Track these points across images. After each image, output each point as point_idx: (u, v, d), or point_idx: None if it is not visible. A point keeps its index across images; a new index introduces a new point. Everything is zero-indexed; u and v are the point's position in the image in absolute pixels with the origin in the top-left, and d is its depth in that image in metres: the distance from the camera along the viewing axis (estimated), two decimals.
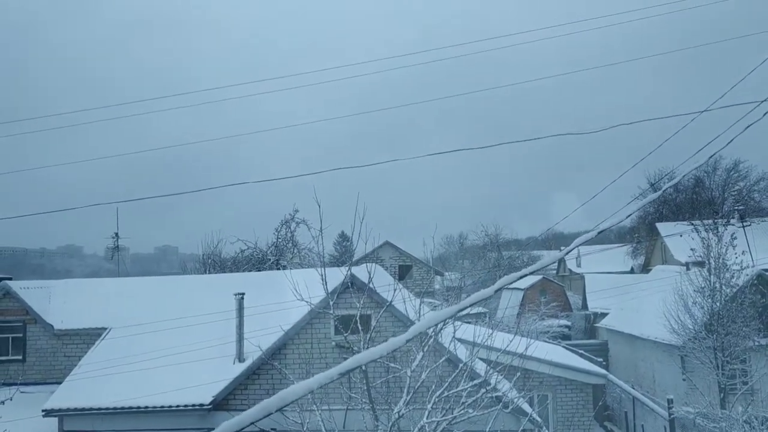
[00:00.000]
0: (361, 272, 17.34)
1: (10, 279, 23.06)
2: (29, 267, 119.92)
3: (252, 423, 2.70)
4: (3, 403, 13.57)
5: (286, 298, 16.62)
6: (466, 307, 3.85)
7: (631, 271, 53.51)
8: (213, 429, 11.26)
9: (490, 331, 15.45)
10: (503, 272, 46.04)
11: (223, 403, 16.95)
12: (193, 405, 16.58)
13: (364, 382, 13.88)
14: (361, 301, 15.12)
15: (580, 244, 4.68)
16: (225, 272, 34.19)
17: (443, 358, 14.64)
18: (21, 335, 21.62)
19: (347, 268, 16.52)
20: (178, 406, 16.59)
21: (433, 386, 13.69)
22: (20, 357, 21.52)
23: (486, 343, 14.50)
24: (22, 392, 15.08)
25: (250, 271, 31.99)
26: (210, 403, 16.60)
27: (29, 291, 22.21)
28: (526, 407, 16.10)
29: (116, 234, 35.66)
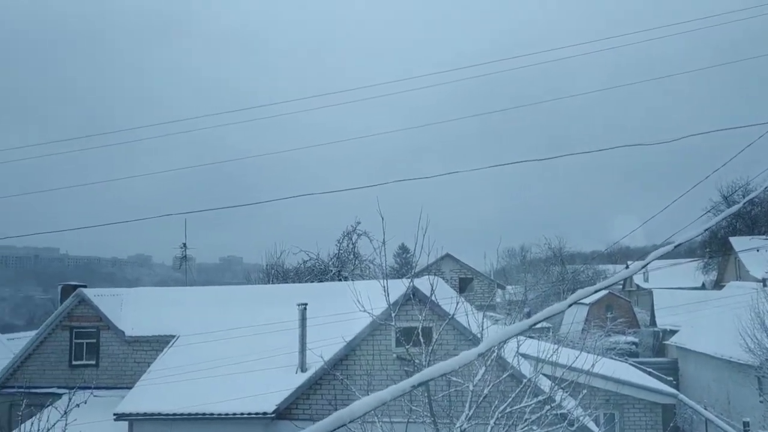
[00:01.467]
0: (422, 284, 17.29)
1: (84, 287, 23.99)
2: (102, 275, 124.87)
3: None
4: (78, 405, 14.12)
5: (348, 309, 16.71)
6: (539, 321, 3.78)
7: (703, 287, 51.49)
8: None
9: (555, 346, 15.11)
10: (567, 286, 45.06)
11: (286, 412, 17.13)
12: (257, 413, 16.82)
13: (426, 395, 13.78)
14: (423, 314, 15.06)
15: (656, 258, 4.53)
16: (288, 282, 34.67)
17: (507, 373, 14.40)
18: (95, 341, 22.45)
19: (409, 280, 16.48)
20: (242, 414, 16.87)
21: (496, 401, 13.48)
22: (94, 362, 22.34)
23: (551, 359, 14.19)
24: (95, 396, 15.66)
25: (312, 281, 32.34)
26: (273, 412, 16.81)
27: (102, 298, 23.05)
28: (592, 426, 15.66)
29: (184, 244, 36.67)
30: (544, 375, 15.20)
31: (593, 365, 14.49)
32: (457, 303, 15.04)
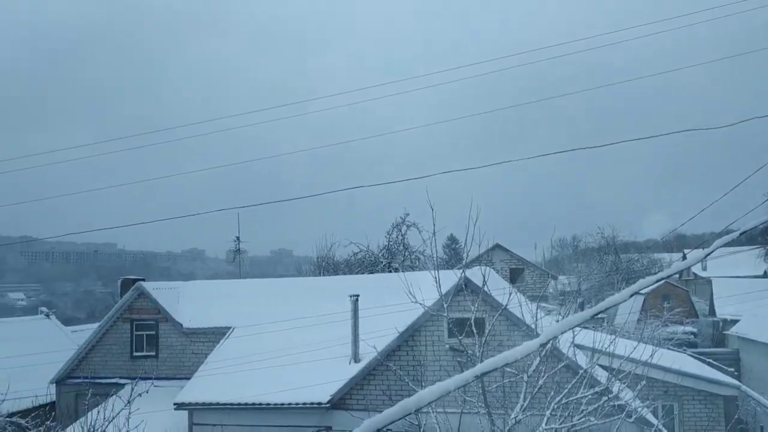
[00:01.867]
0: (474, 275, 17.21)
1: (143, 280, 24.70)
2: (157, 269, 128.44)
3: (392, 422, 2.74)
4: (141, 395, 14.58)
5: (399, 301, 16.77)
6: (602, 311, 3.73)
7: (764, 276, 49.72)
8: (330, 427, 11.52)
9: (612, 337, 14.85)
10: (621, 276, 44.14)
11: (340, 402, 17.32)
12: (312, 403, 17.06)
13: (480, 385, 13.74)
14: (476, 305, 14.99)
15: (722, 245, 4.41)
16: (338, 274, 34.98)
17: (562, 364, 14.23)
18: (154, 333, 23.12)
19: (461, 270, 16.42)
20: (297, 403, 17.13)
21: (552, 392, 13.34)
22: (153, 353, 23.01)
23: (607, 350, 13.96)
24: (155, 386, 16.12)
25: (363, 273, 32.55)
26: (328, 402, 17.02)
27: (160, 291, 23.70)
28: (650, 417, 15.34)
29: (238, 238, 37.35)
30: (601, 366, 14.96)
31: (651, 356, 14.19)
32: (510, 294, 14.93)
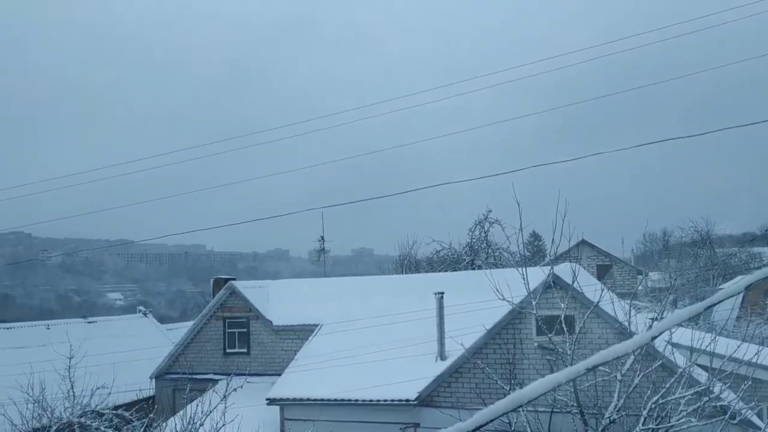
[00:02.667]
0: (561, 271, 16.86)
1: (234, 279, 25.55)
2: (244, 269, 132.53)
3: (504, 413, 2.74)
4: (235, 390, 15.11)
5: (483, 298, 16.64)
6: (714, 304, 3.59)
7: None
8: (418, 424, 11.56)
9: (711, 335, 14.20)
10: (717, 271, 42.07)
11: (428, 399, 17.36)
12: (399, 400, 17.18)
13: (571, 384, 13.46)
14: (566, 302, 14.70)
15: None
16: (420, 273, 35.02)
17: (657, 363, 13.75)
18: (245, 330, 23.88)
19: (549, 267, 16.13)
20: (385, 400, 17.30)
21: (649, 392, 12.91)
22: (245, 350, 23.77)
23: (707, 349, 13.36)
24: (247, 382, 16.67)
25: (446, 271, 32.47)
26: (416, 399, 17.10)
27: (251, 290, 24.45)
28: (756, 420, 14.58)
29: (322, 237, 38.00)
30: (699, 366, 14.34)
31: (757, 355, 13.49)
32: (602, 291, 14.56)
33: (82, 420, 16.05)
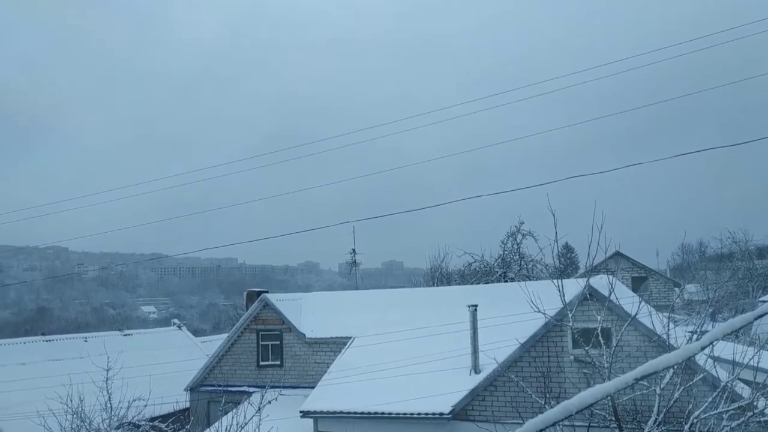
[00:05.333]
0: (597, 283, 16.64)
1: (266, 292, 25.72)
2: (275, 282, 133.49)
3: (554, 423, 2.71)
4: (270, 402, 15.18)
5: (517, 310, 16.47)
6: (763, 314, 3.51)
7: None
8: None
9: (754, 349, 13.85)
10: (757, 283, 41.07)
11: (462, 412, 17.22)
12: (434, 413, 17.06)
13: (609, 397, 13.22)
14: (602, 314, 14.47)
15: None
16: (452, 285, 34.85)
17: (698, 376, 13.44)
18: (278, 343, 24.00)
19: (586, 279, 15.92)
20: (419, 413, 17.19)
21: (690, 406, 12.62)
22: (279, 362, 23.87)
23: (750, 362, 13.02)
24: (281, 395, 16.73)
25: (478, 283, 32.26)
26: (450, 413, 16.97)
27: (284, 303, 24.60)
28: None
29: (353, 250, 38.12)
30: (741, 380, 13.97)
31: None
32: (639, 303, 14.31)
33: (119, 431, 16.24)
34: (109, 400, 16.56)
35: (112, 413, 16.52)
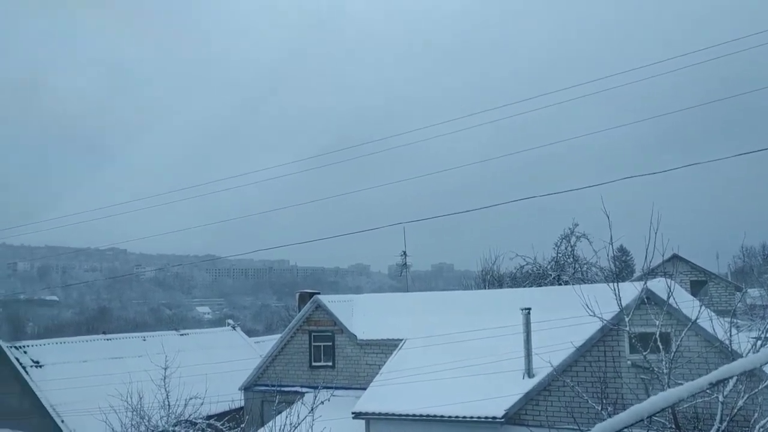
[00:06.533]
0: (654, 287, 16.21)
1: (319, 293, 25.95)
2: (326, 284, 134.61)
3: (625, 427, 2.64)
4: (323, 403, 15.29)
5: (569, 314, 16.18)
6: None
7: None
8: None
9: None
10: None
11: (515, 417, 17.00)
12: (486, 417, 16.91)
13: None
14: (661, 318, 14.10)
15: None
16: (504, 288, 34.47)
17: (764, 384, 12.95)
18: (330, 344, 24.18)
19: (643, 282, 15.53)
20: (471, 417, 17.06)
21: (756, 415, 12.17)
22: (330, 363, 24.05)
23: None
24: (333, 395, 16.83)
25: (530, 286, 31.84)
26: (502, 417, 16.78)
27: (335, 304, 24.78)
28: None
29: (404, 252, 38.13)
30: None
31: None
32: (700, 307, 13.89)
33: (177, 429, 16.61)
34: (167, 397, 16.98)
35: (170, 411, 16.93)
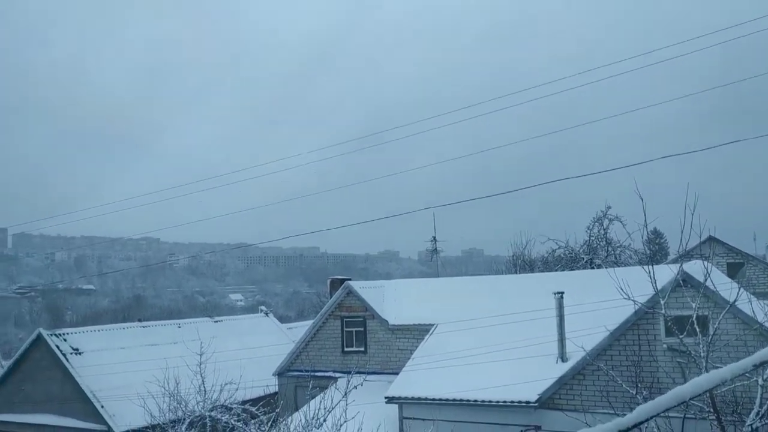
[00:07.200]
0: (690, 269, 15.93)
1: (350, 280, 26.08)
2: (356, 270, 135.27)
3: (666, 410, 2.60)
4: (356, 387, 15.39)
5: (602, 298, 15.98)
6: None
7: None
8: (540, 426, 11.24)
9: None
10: None
11: (549, 401, 16.93)
12: (520, 401, 16.87)
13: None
14: (698, 301, 13.86)
15: None
16: (534, 272, 34.24)
17: None
18: (362, 329, 24.31)
19: (679, 265, 15.28)
20: (505, 401, 17.04)
21: None
22: (362, 348, 24.20)
23: None
24: (366, 380, 16.93)
25: (562, 270, 31.56)
26: (536, 401, 16.72)
27: (366, 290, 24.88)
28: None
29: (434, 238, 38.06)
30: None
31: None
32: (738, 289, 13.62)
33: (213, 414, 16.86)
34: (203, 383, 17.26)
35: (206, 396, 17.21)
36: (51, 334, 26.17)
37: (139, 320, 34.89)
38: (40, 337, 25.94)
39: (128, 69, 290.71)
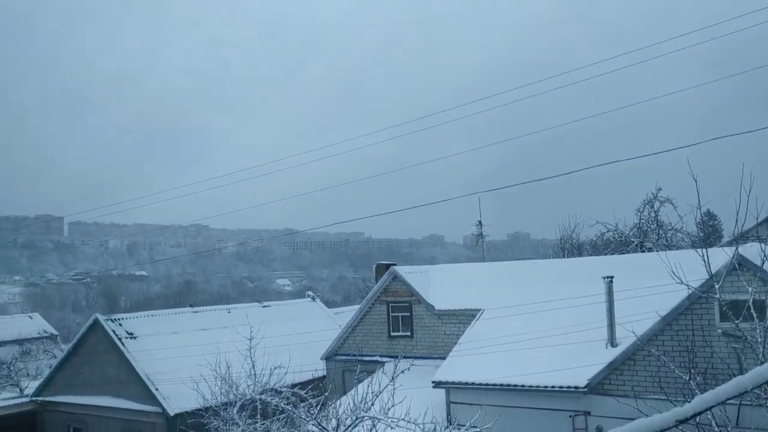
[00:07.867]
0: (746, 252, 15.44)
1: (395, 265, 26.12)
2: (401, 255, 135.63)
3: (726, 399, 2.53)
4: (403, 372, 15.46)
5: (653, 282, 15.64)
6: None
7: None
8: (589, 412, 11.07)
9: None
10: None
11: (599, 386, 16.71)
12: (568, 387, 16.70)
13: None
14: (754, 284, 13.45)
15: None
16: (583, 256, 33.69)
17: None
18: (408, 314, 24.38)
19: (734, 247, 14.83)
20: (553, 387, 16.89)
21: None
22: (409, 333, 24.28)
23: None
24: (412, 365, 16.99)
25: (612, 254, 30.98)
26: (585, 386, 16.53)
27: (412, 275, 24.90)
28: None
29: (479, 222, 37.83)
30: None
31: None
32: None
33: (263, 397, 17.19)
34: (253, 367, 17.61)
35: (256, 380, 17.56)
36: (107, 319, 27.04)
37: (191, 305, 35.76)
38: (96, 322, 26.82)
39: (187, 69, 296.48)
